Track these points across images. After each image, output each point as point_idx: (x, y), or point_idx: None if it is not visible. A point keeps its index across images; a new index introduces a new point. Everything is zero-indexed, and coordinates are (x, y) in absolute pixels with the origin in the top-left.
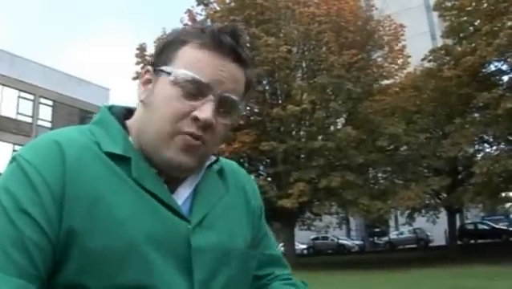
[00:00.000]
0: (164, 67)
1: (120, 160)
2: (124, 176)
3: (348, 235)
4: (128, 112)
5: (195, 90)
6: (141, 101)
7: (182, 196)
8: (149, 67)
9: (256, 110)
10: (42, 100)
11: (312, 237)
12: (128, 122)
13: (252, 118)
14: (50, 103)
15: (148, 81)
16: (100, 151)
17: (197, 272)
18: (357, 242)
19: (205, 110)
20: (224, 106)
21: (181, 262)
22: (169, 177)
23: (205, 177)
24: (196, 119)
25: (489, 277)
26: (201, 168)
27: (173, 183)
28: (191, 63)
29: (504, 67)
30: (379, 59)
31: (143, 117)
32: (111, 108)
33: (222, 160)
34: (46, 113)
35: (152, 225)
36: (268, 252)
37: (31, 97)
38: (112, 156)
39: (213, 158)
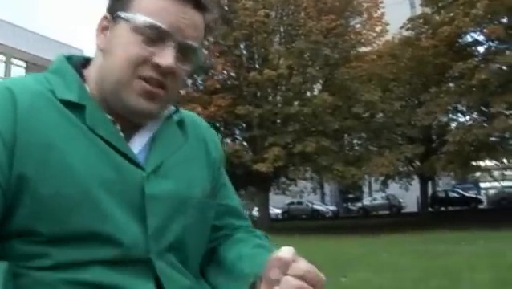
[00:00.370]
0: (122, 14)
1: (75, 107)
2: (79, 123)
3: (323, 201)
4: (87, 62)
5: (155, 36)
6: (100, 49)
7: (139, 144)
8: (107, 14)
9: (232, 74)
10: (15, 61)
11: (287, 202)
12: (86, 71)
13: (228, 82)
14: (23, 64)
15: (106, 28)
16: (55, 98)
17: (151, 219)
18: (331, 208)
19: (166, 56)
20: (184, 53)
21: (136, 210)
22: (126, 126)
23: (164, 127)
24: (157, 65)
25: (458, 242)
26: (159, 117)
27: (130, 131)
28: (151, 9)
29: (480, 38)
30: (358, 26)
31: (102, 65)
32: (69, 58)
33: (183, 111)
34: (18, 74)
35: (106, 173)
36: (225, 202)
37: (3, 58)
38: (67, 103)
39: (173, 109)
